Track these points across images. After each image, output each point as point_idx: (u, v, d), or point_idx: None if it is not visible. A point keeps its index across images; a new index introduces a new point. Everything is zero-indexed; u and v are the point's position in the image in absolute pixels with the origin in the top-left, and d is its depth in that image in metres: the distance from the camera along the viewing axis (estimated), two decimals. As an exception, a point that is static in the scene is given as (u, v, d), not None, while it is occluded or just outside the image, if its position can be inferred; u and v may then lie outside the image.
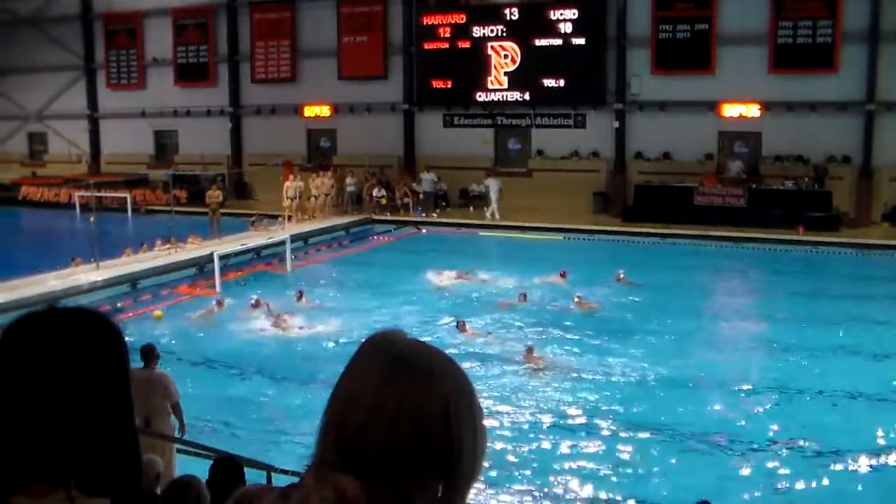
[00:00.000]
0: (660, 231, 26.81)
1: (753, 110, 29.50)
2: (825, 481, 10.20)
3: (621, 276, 20.49)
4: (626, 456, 11.03)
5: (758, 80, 29.07)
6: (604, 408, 12.74)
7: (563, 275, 20.45)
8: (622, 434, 11.77)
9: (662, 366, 14.50)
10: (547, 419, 12.35)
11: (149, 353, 9.94)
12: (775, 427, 11.88)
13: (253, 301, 18.59)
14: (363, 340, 1.38)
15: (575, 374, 14.22)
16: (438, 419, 1.28)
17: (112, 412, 1.55)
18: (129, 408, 1.60)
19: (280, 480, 7.43)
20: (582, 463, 10.89)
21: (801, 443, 11.19)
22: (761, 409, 12.74)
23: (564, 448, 11.35)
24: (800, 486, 10.17)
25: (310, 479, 1.30)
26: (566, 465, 10.82)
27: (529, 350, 14.93)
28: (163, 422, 9.60)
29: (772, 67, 29.00)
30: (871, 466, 10.53)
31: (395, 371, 1.29)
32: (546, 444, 11.43)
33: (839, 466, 10.53)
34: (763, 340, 16.48)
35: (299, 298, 19.11)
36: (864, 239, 25.61)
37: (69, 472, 1.49)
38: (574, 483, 10.36)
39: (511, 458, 10.82)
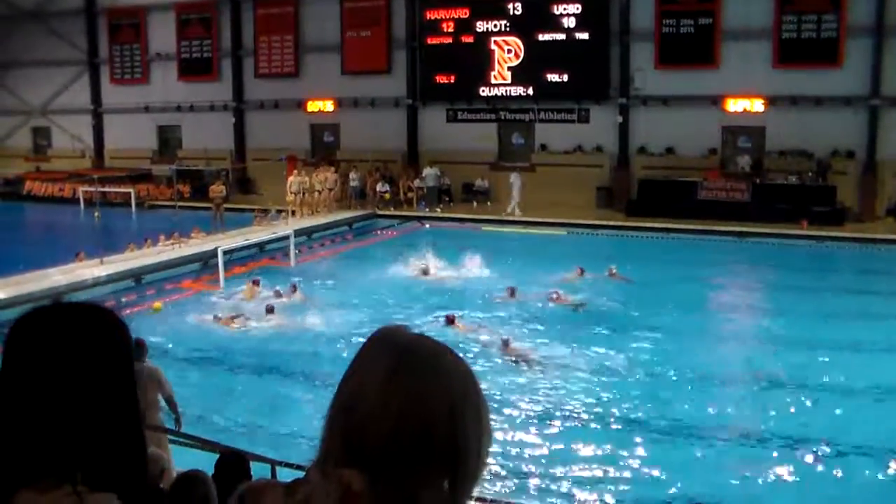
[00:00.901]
0: (664, 226, 26.78)
1: (757, 105, 29.44)
2: (829, 476, 10.20)
3: (613, 270, 20.46)
4: (612, 452, 10.97)
5: (762, 75, 29.02)
6: (585, 401, 12.74)
7: (580, 272, 20.39)
8: (605, 429, 11.78)
9: (647, 361, 14.51)
10: (527, 413, 12.34)
11: (139, 346, 9.91)
12: (778, 423, 11.84)
13: (275, 291, 18.99)
14: (369, 335, 1.38)
15: (553, 368, 14.22)
16: (443, 415, 1.27)
17: (118, 407, 1.56)
18: (134, 402, 1.61)
19: (285, 474, 7.46)
20: (567, 458, 10.84)
21: (805, 438, 11.16)
22: (764, 405, 12.72)
23: (546, 442, 11.35)
24: (803, 482, 10.16)
25: (315, 474, 1.30)
26: (549, 461, 10.78)
27: (506, 343, 15.09)
28: (155, 415, 9.60)
29: (776, 62, 28.95)
30: (877, 461, 10.51)
31: (401, 366, 1.29)
32: (527, 438, 11.40)
33: (844, 461, 10.51)
34: (765, 335, 16.45)
35: (294, 291, 19.15)
36: (869, 233, 25.59)
37: (75, 466, 1.49)
38: (561, 480, 10.34)
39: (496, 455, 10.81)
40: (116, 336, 1.60)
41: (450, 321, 16.46)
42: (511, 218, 29.30)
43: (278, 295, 18.86)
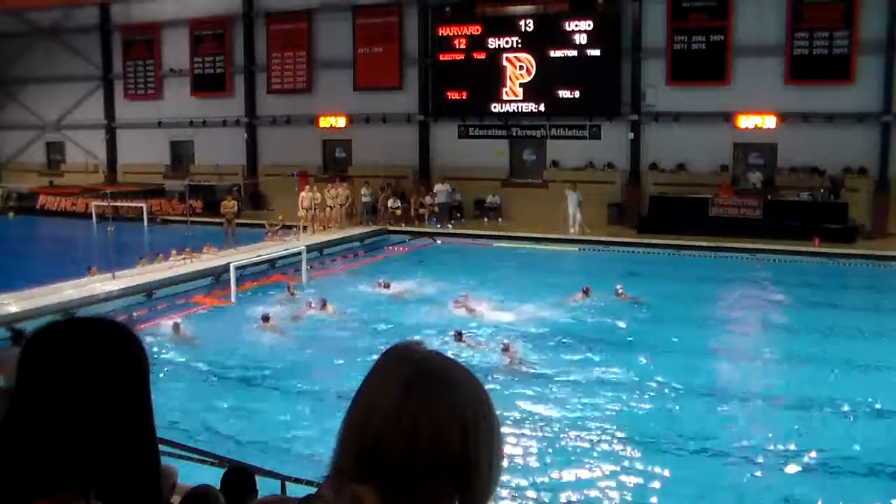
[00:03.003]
0: (675, 242, 26.72)
1: (769, 121, 29.41)
2: (838, 496, 10.11)
3: (620, 290, 20.10)
4: (614, 468, 10.94)
5: (773, 92, 28.99)
6: (588, 417, 12.70)
7: (586, 291, 20.11)
8: (608, 445, 11.71)
9: (656, 378, 14.36)
10: (527, 428, 12.30)
11: None
12: (786, 440, 11.74)
13: (312, 303, 19.28)
14: (383, 351, 1.38)
15: (557, 384, 14.21)
16: (456, 432, 1.28)
17: (132, 421, 1.56)
18: (149, 417, 1.61)
19: (294, 490, 7.46)
20: (573, 473, 10.81)
21: (813, 456, 11.08)
22: (773, 423, 12.64)
23: (548, 457, 11.30)
24: (810, 500, 10.09)
25: (327, 490, 1.30)
26: (552, 475, 10.74)
27: (506, 348, 15.53)
28: None
29: (788, 78, 28.94)
30: (887, 481, 10.42)
31: (414, 382, 1.30)
32: (527, 453, 11.38)
33: (853, 481, 10.43)
34: (776, 353, 16.34)
35: (311, 307, 19.24)
36: (881, 251, 25.42)
37: (89, 481, 1.49)
38: (565, 494, 10.32)
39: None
40: (131, 351, 1.60)
41: (457, 336, 16.52)
42: (515, 234, 29.23)
43: (309, 306, 19.15)
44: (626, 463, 11.09)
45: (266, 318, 17.88)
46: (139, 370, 1.60)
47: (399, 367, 1.33)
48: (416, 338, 1.48)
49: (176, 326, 17.43)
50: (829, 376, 14.43)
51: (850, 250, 25.49)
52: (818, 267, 24.37)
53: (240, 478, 6.57)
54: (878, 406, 12.94)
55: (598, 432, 12.13)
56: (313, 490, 1.37)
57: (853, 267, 24.53)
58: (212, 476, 7.15)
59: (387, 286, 21.41)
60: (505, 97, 32.89)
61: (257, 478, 6.91)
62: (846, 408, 12.89)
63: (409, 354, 1.35)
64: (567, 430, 12.27)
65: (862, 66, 28.10)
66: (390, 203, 32.07)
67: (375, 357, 1.38)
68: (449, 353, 1.42)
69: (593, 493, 10.30)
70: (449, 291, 20.88)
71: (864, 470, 10.65)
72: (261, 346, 16.83)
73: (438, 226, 31.26)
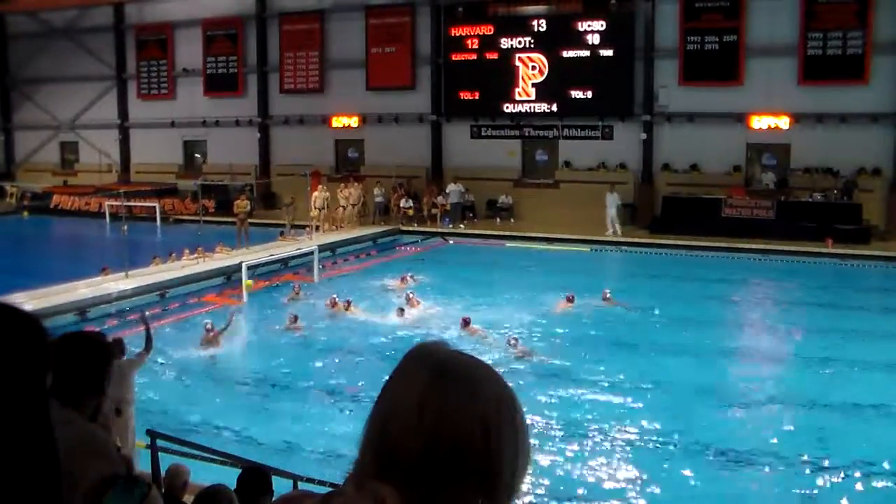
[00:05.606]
0: (687, 243, 26.64)
1: (782, 122, 29.28)
2: (849, 497, 10.07)
3: (607, 295, 19.76)
4: (617, 469, 10.95)
5: (787, 92, 28.87)
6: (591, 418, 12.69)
7: (569, 299, 19.47)
8: (607, 445, 11.72)
9: (663, 378, 14.34)
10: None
11: (115, 343, 9.86)
12: (795, 442, 11.69)
13: (337, 301, 19.32)
14: (407, 351, 1.38)
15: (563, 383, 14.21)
16: (478, 433, 1.27)
17: (32, 413, 1.41)
18: (43, 418, 1.44)
19: (306, 489, 7.46)
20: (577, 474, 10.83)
21: (824, 458, 11.03)
22: (780, 425, 12.61)
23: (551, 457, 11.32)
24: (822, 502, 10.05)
25: (350, 488, 1.30)
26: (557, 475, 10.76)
27: (512, 342, 15.93)
28: (131, 409, 9.50)
29: (801, 79, 28.80)
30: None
31: (437, 382, 1.29)
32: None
33: (865, 482, 10.39)
34: (788, 354, 16.30)
35: (331, 307, 19.27)
36: (895, 252, 25.29)
37: None
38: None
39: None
40: (34, 334, 1.47)
41: (464, 323, 16.89)
42: (527, 234, 29.23)
43: (334, 304, 19.21)
44: (628, 464, 11.08)
45: (294, 320, 17.93)
46: (40, 355, 1.45)
47: (421, 367, 1.32)
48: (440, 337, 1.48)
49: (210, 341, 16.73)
50: (841, 378, 14.38)
51: (864, 251, 25.36)
52: (831, 268, 24.25)
53: (255, 478, 6.59)
54: (889, 406, 12.87)
55: (600, 432, 12.13)
56: (326, 489, 1.37)
57: (866, 268, 24.40)
58: (226, 476, 7.17)
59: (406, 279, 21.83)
60: (517, 97, 32.85)
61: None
62: (858, 409, 12.83)
63: (431, 353, 1.35)
64: (570, 430, 12.27)
65: (876, 67, 27.93)
66: (402, 203, 32.11)
67: (398, 356, 1.38)
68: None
69: (597, 494, 10.30)
70: (453, 291, 20.95)
71: (877, 472, 10.60)
72: (276, 346, 16.85)
73: (451, 226, 31.27)
